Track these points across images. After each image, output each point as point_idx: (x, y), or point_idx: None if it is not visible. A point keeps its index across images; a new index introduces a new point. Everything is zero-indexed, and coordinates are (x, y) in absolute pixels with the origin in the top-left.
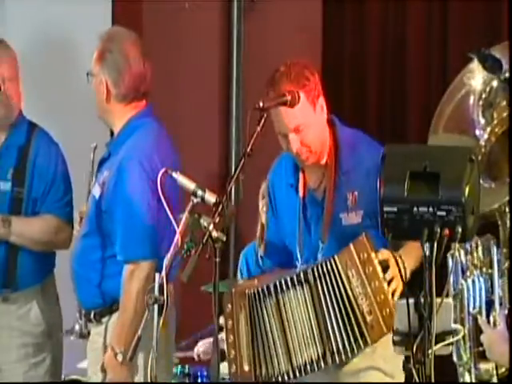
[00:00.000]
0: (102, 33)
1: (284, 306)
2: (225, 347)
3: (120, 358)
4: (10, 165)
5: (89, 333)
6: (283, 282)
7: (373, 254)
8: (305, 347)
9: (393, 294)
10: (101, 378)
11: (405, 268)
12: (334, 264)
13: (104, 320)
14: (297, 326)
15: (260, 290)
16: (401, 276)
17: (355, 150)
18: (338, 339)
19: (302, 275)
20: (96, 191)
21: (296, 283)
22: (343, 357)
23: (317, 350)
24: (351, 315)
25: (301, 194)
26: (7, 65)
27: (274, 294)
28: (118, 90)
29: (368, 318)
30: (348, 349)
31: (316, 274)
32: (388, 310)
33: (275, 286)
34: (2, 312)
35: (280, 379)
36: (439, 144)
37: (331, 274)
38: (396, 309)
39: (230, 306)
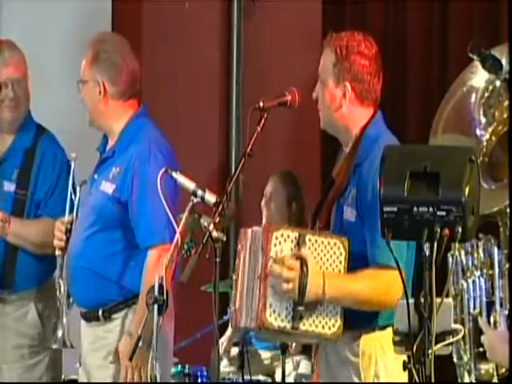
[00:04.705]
0: (89, 41)
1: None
2: None
3: (140, 343)
4: (16, 166)
5: (72, 345)
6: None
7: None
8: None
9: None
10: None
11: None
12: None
13: (116, 316)
14: (244, 281)
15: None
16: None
17: (373, 146)
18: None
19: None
20: (107, 187)
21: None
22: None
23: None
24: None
25: (333, 175)
26: (13, 67)
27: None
28: (116, 87)
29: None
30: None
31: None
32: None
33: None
34: None
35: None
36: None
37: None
38: (396, 308)
39: (239, 245)
